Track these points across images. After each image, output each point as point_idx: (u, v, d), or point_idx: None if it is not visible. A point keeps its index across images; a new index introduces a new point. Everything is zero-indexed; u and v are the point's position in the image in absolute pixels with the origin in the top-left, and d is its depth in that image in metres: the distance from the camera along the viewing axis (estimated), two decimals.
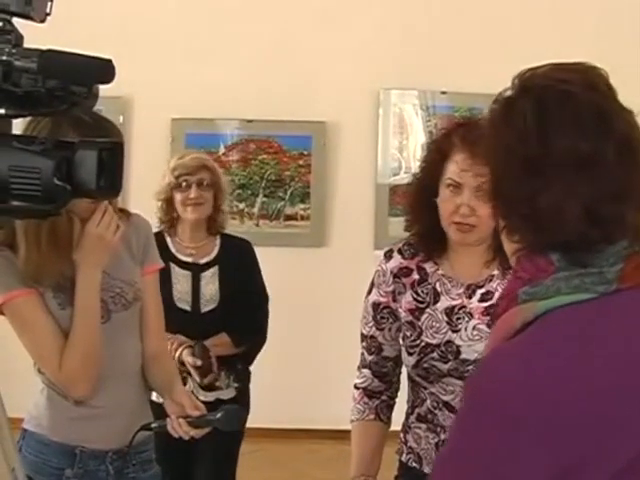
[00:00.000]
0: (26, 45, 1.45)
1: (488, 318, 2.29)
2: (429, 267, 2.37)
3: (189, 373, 3.38)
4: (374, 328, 2.41)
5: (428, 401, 2.35)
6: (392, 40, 5.93)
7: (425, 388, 2.34)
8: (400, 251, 2.40)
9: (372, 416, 2.43)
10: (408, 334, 2.34)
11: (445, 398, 2.31)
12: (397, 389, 2.49)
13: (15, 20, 1.45)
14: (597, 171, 1.22)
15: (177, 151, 5.53)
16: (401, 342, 2.37)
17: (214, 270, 3.56)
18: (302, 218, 6.09)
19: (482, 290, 2.33)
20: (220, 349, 3.46)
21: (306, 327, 5.99)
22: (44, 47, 1.41)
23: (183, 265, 3.53)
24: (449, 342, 2.30)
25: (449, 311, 2.32)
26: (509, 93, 1.30)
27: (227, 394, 3.48)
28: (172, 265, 3.49)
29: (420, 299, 2.35)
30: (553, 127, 1.23)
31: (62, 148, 1.51)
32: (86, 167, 1.50)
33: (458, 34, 5.90)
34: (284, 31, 5.95)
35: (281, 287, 5.97)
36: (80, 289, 2.22)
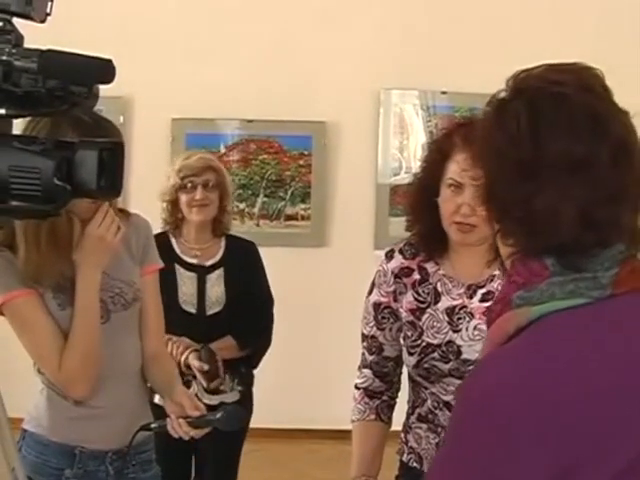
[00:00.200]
0: (26, 45, 1.45)
1: None
2: (430, 267, 2.37)
3: (194, 376, 3.35)
4: (375, 328, 2.41)
5: (429, 401, 2.35)
6: (392, 40, 5.93)
7: (426, 388, 2.34)
8: (401, 251, 2.40)
9: (373, 416, 2.43)
10: (409, 334, 2.34)
11: (446, 398, 2.31)
12: (398, 389, 2.49)
13: (15, 20, 1.45)
14: (591, 174, 1.21)
15: (177, 151, 5.54)
16: (402, 342, 2.37)
17: (219, 272, 3.54)
18: (303, 218, 6.09)
19: (483, 290, 2.33)
20: (225, 352, 3.43)
21: (307, 327, 5.99)
22: (44, 47, 1.41)
23: (188, 267, 3.51)
24: (450, 342, 2.30)
25: (450, 311, 2.32)
26: (503, 95, 1.29)
27: (231, 397, 3.46)
28: (177, 267, 3.48)
29: (421, 299, 2.35)
30: (546, 130, 1.22)
31: (62, 148, 1.51)
32: (86, 167, 1.50)
33: (458, 34, 5.90)
34: (285, 31, 5.94)
35: (282, 287, 5.96)
36: (80, 290, 2.22)
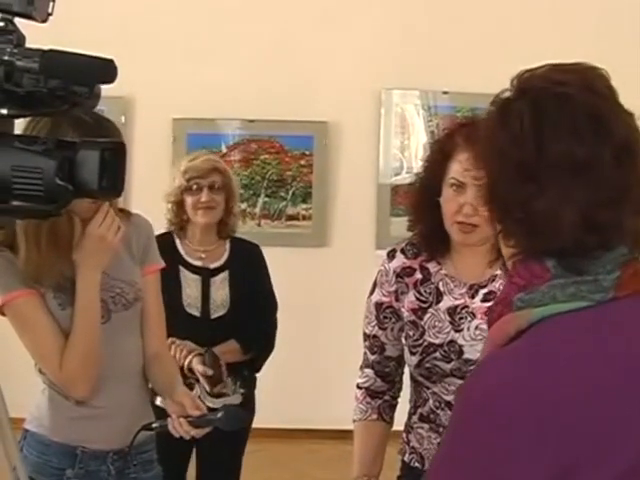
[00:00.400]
0: (28, 45, 1.45)
1: None
2: (432, 267, 2.37)
3: (197, 380, 3.32)
4: (377, 328, 2.42)
5: (430, 401, 2.35)
6: (393, 40, 5.93)
7: (427, 388, 2.34)
8: (403, 251, 2.40)
9: (375, 416, 2.43)
10: (411, 334, 2.34)
11: (447, 398, 2.31)
12: (399, 389, 2.49)
13: (17, 20, 1.45)
14: (594, 176, 1.20)
15: (179, 151, 5.55)
16: (404, 342, 2.37)
17: (224, 275, 3.50)
18: (304, 218, 6.09)
19: (485, 290, 2.33)
20: (229, 356, 3.40)
21: (308, 327, 5.99)
22: (46, 47, 1.41)
23: (193, 269, 3.48)
24: (452, 342, 2.30)
25: (452, 311, 2.32)
26: (507, 94, 1.29)
27: (234, 400, 3.43)
28: (181, 269, 3.45)
29: (423, 299, 2.35)
30: (549, 131, 1.21)
31: (64, 148, 1.51)
32: (88, 167, 1.50)
33: (459, 34, 5.90)
34: (285, 31, 5.94)
35: (283, 287, 5.97)
36: (80, 290, 2.22)
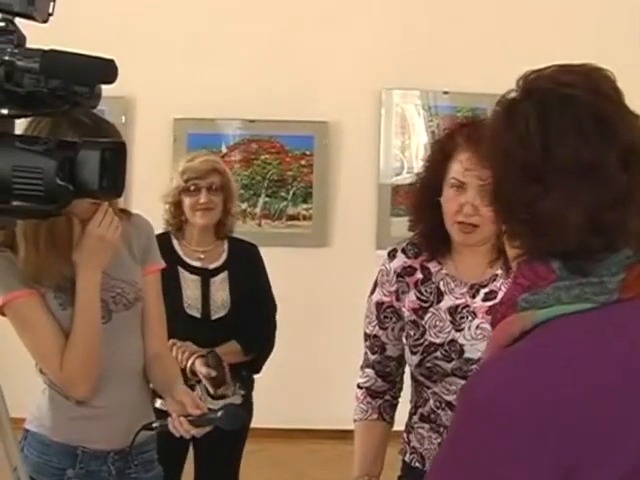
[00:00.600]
0: (28, 45, 1.45)
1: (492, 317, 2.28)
2: (433, 266, 2.37)
3: (198, 381, 3.29)
4: (377, 327, 2.42)
5: (431, 401, 2.35)
6: (394, 40, 5.93)
7: (428, 388, 2.34)
8: (404, 250, 2.40)
9: (375, 416, 2.44)
10: (411, 333, 2.34)
11: (448, 398, 2.31)
12: (400, 389, 2.49)
13: (18, 20, 1.45)
14: (599, 178, 1.20)
15: (179, 151, 5.55)
16: (404, 341, 2.37)
17: (224, 276, 3.49)
18: (304, 218, 6.09)
19: (486, 289, 2.33)
20: (230, 357, 3.38)
21: (308, 327, 5.99)
22: (46, 47, 1.41)
23: (192, 270, 3.46)
24: (453, 341, 2.30)
25: (453, 310, 2.32)
26: (513, 95, 1.28)
27: (234, 401, 3.39)
28: (180, 270, 3.43)
29: (424, 298, 2.35)
30: (555, 133, 1.21)
31: (65, 148, 1.51)
32: (89, 167, 1.50)
33: (460, 34, 5.90)
34: (286, 31, 5.94)
35: (283, 287, 5.96)
36: (80, 289, 2.22)
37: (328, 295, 5.97)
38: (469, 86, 5.84)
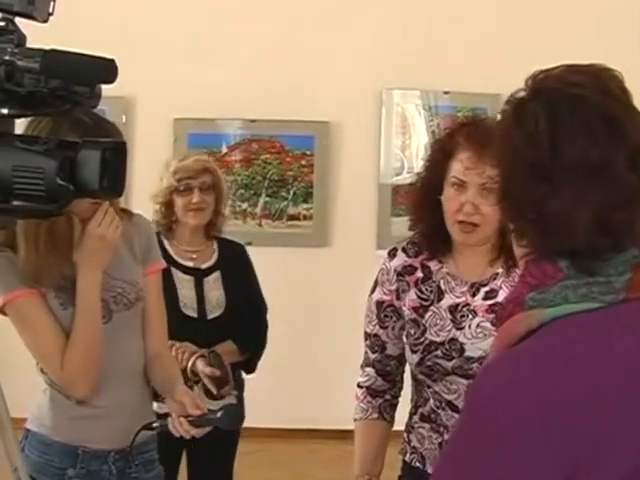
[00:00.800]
0: (29, 45, 1.45)
1: (492, 316, 2.29)
2: (433, 265, 2.37)
3: (197, 382, 3.26)
4: (378, 326, 2.42)
5: (431, 400, 2.35)
6: (394, 40, 5.93)
7: (429, 387, 2.34)
8: (404, 249, 2.41)
9: (375, 415, 2.44)
10: (412, 332, 2.34)
11: (448, 397, 2.31)
12: (400, 388, 2.49)
13: (18, 20, 1.45)
14: (608, 178, 1.20)
15: (180, 151, 5.53)
16: (405, 340, 2.37)
17: (217, 275, 3.48)
18: (305, 218, 6.09)
19: (486, 288, 2.33)
20: (227, 357, 3.36)
21: (308, 327, 5.99)
22: (47, 47, 1.41)
23: (184, 270, 3.44)
24: (453, 340, 2.30)
25: (453, 309, 2.33)
26: (522, 94, 1.29)
27: (229, 401, 3.39)
28: (173, 270, 3.40)
29: (424, 297, 2.36)
30: (564, 133, 1.22)
31: (65, 148, 1.51)
32: (89, 167, 1.50)
33: (460, 34, 5.90)
34: (286, 31, 5.94)
35: (283, 287, 5.99)
36: (80, 289, 2.22)
37: (328, 295, 5.97)
38: (469, 86, 5.85)
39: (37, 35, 1.56)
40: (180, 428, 2.19)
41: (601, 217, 1.20)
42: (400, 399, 2.49)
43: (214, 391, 3.27)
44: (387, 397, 2.46)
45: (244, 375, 3.60)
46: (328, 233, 6.10)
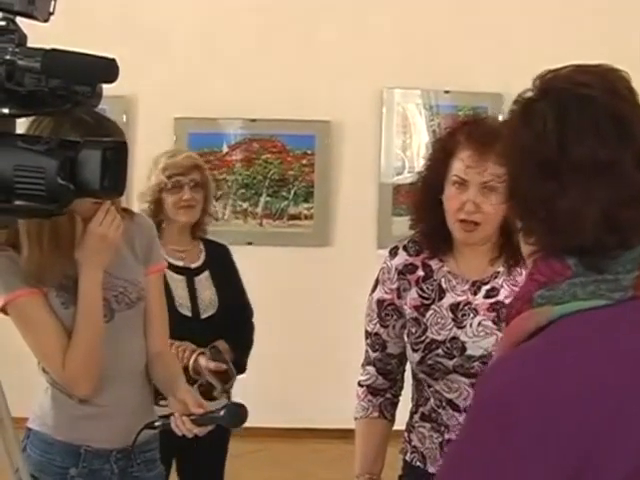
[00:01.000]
0: (29, 44, 1.45)
1: (494, 314, 2.29)
2: (434, 264, 2.37)
3: (192, 383, 3.24)
4: (378, 325, 2.42)
5: (432, 400, 2.35)
6: (395, 39, 5.93)
7: (429, 386, 2.34)
8: (405, 248, 2.41)
9: (376, 414, 2.44)
10: (413, 330, 2.34)
11: (449, 396, 2.31)
12: (401, 387, 2.49)
13: (19, 19, 1.45)
14: (615, 177, 1.22)
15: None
16: (406, 339, 2.37)
17: (206, 275, 3.45)
18: (305, 217, 6.09)
19: (487, 286, 2.33)
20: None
21: (310, 326, 5.99)
22: (47, 46, 1.41)
23: (176, 269, 3.39)
24: (454, 338, 2.30)
25: (454, 307, 2.33)
26: (529, 94, 1.30)
27: (221, 403, 3.33)
28: (166, 269, 3.40)
29: (425, 295, 2.36)
30: (572, 132, 1.23)
31: (66, 148, 1.51)
32: (90, 167, 1.50)
33: (461, 33, 5.90)
34: (286, 30, 5.94)
35: (284, 286, 5.99)
36: (82, 288, 2.22)
37: (329, 294, 5.97)
38: (470, 85, 5.85)
39: (38, 34, 1.56)
40: (183, 427, 2.19)
41: (609, 215, 1.21)
42: (401, 398, 2.50)
43: (218, 386, 3.25)
44: (388, 396, 2.46)
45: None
46: (329, 233, 6.10)
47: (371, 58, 5.91)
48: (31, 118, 2.08)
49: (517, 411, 1.14)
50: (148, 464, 2.42)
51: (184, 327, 3.30)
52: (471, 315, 2.31)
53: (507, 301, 2.29)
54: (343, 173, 6.08)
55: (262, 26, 5.94)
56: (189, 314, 3.38)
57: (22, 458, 1.90)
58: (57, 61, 1.40)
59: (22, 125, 1.88)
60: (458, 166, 2.25)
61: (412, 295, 2.37)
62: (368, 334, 2.45)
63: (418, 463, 2.40)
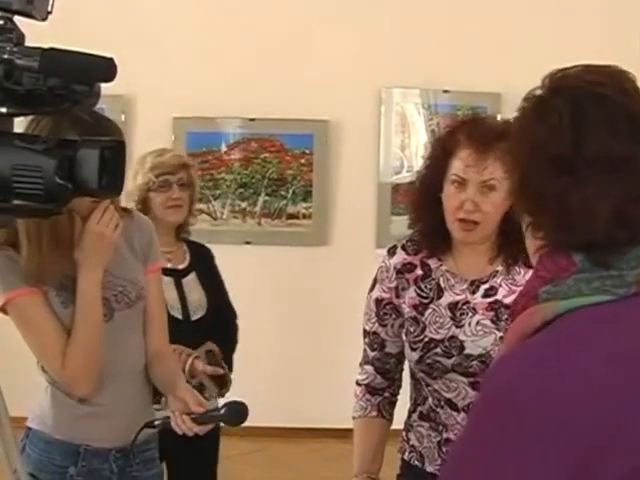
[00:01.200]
0: (28, 44, 1.45)
1: (492, 313, 2.30)
2: (433, 263, 2.37)
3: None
4: (377, 324, 2.42)
5: (430, 399, 2.35)
6: (394, 38, 5.92)
7: (428, 385, 2.34)
8: (404, 247, 2.41)
9: (374, 413, 2.44)
10: (411, 329, 2.34)
11: (447, 395, 2.31)
12: (399, 386, 2.50)
13: (17, 18, 1.45)
14: (629, 174, 1.24)
15: (179, 150, 5.53)
16: (404, 338, 2.37)
17: (193, 276, 3.41)
18: (304, 217, 6.09)
19: (486, 286, 2.33)
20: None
21: (308, 326, 5.99)
22: (46, 46, 1.41)
23: (164, 271, 3.23)
24: (453, 337, 2.30)
25: (453, 306, 2.33)
26: (540, 92, 1.32)
27: (214, 404, 3.29)
28: None
29: (424, 294, 2.36)
30: (588, 128, 1.25)
31: (64, 147, 1.51)
32: (88, 166, 1.50)
33: (460, 32, 5.90)
34: (286, 29, 5.94)
35: (283, 286, 5.99)
36: (81, 288, 2.22)
37: (328, 294, 5.97)
38: (469, 85, 5.84)
39: (36, 33, 1.56)
40: (183, 425, 2.19)
41: (620, 210, 1.23)
42: (399, 397, 2.50)
43: (215, 391, 3.23)
44: (386, 395, 2.46)
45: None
46: (327, 232, 6.10)
47: (370, 57, 5.91)
48: (29, 117, 2.08)
49: (518, 407, 1.15)
50: (147, 463, 2.42)
51: (175, 329, 3.24)
52: (469, 314, 2.31)
53: (506, 300, 2.29)
54: (342, 172, 6.08)
55: (261, 25, 5.94)
56: (180, 316, 3.33)
57: (20, 459, 1.90)
58: (55, 60, 1.39)
59: (20, 124, 1.88)
60: (457, 165, 2.26)
61: (410, 294, 2.37)
62: (366, 333, 2.45)
63: (416, 462, 2.40)
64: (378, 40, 5.92)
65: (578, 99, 1.27)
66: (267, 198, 6.07)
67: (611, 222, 1.23)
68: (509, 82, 5.70)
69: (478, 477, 1.17)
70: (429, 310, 2.34)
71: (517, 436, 1.14)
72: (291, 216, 6.08)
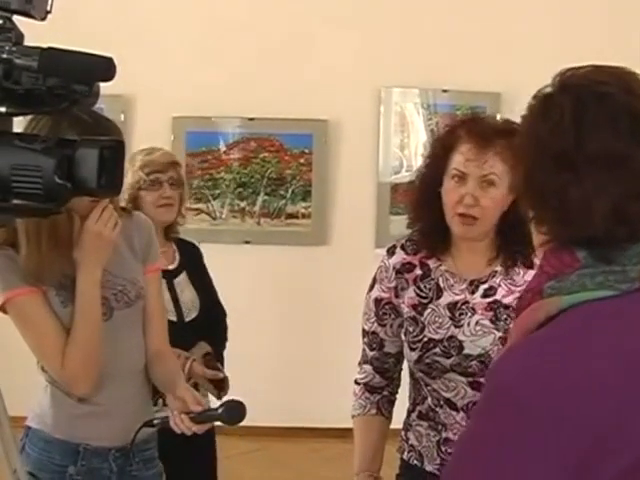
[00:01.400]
0: (27, 43, 1.44)
1: (491, 313, 2.30)
2: (432, 263, 2.38)
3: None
4: (376, 324, 2.42)
5: (429, 399, 2.35)
6: (393, 38, 5.92)
7: (427, 385, 2.34)
8: (403, 247, 2.41)
9: (374, 411, 2.44)
10: (411, 329, 2.34)
11: (446, 395, 2.31)
12: (398, 385, 2.50)
13: (16, 18, 1.45)
14: (628, 171, 1.25)
15: (178, 150, 5.54)
16: (403, 338, 2.37)
17: (183, 276, 3.37)
18: (303, 216, 6.09)
19: (485, 286, 2.33)
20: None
21: (308, 325, 5.99)
22: (45, 45, 1.41)
23: None
24: (452, 337, 2.30)
25: (452, 306, 2.33)
26: (549, 90, 1.34)
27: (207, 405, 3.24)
28: None
29: (423, 294, 2.36)
30: (589, 125, 1.27)
31: (63, 146, 1.51)
32: (87, 165, 1.50)
33: (459, 32, 5.89)
34: (285, 29, 5.94)
35: (282, 285, 5.99)
36: (80, 287, 2.22)
37: (327, 293, 5.97)
38: (468, 84, 5.84)
39: (35, 33, 1.56)
40: (181, 425, 2.19)
41: (619, 207, 1.24)
42: (398, 397, 2.50)
43: (216, 394, 3.21)
44: (385, 393, 2.46)
45: None
46: (327, 231, 6.10)
47: (369, 57, 5.91)
48: (29, 117, 2.08)
49: (521, 403, 1.16)
50: (147, 463, 2.42)
51: (170, 332, 3.24)
52: (469, 314, 2.31)
53: (505, 300, 2.30)
54: (341, 172, 6.08)
55: (260, 25, 5.94)
56: (174, 318, 3.26)
57: (20, 459, 1.90)
58: (54, 60, 1.39)
59: (20, 124, 1.88)
60: (458, 159, 2.26)
61: (410, 294, 2.37)
62: (365, 333, 2.45)
63: (415, 462, 2.40)
64: (377, 40, 5.92)
65: (581, 97, 1.29)
66: (266, 198, 6.07)
67: (610, 219, 1.24)
68: (508, 82, 5.70)
69: (478, 477, 1.18)
70: (428, 310, 2.34)
71: (518, 436, 1.15)
72: (290, 216, 6.08)
